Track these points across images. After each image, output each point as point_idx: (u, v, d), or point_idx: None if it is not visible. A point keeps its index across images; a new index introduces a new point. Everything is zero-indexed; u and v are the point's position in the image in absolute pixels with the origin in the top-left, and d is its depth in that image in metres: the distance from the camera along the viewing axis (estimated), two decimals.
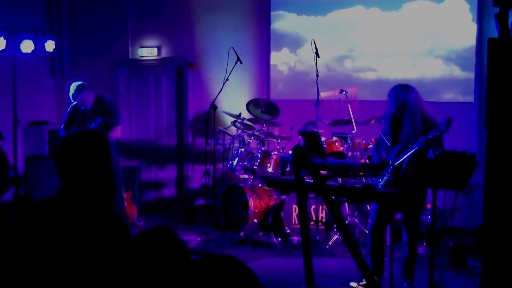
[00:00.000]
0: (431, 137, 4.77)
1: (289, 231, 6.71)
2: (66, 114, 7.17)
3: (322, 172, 4.61)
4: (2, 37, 8.23)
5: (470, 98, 7.29)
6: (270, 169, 7.17)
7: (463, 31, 7.30)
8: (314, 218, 6.59)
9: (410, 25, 7.63)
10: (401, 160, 4.91)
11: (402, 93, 4.98)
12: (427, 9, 7.52)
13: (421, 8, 7.56)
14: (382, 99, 5.22)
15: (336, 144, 6.89)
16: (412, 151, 4.85)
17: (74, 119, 7.02)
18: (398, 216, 5.62)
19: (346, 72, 8.03)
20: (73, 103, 7.08)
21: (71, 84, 7.05)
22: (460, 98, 7.37)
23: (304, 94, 8.03)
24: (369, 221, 6.78)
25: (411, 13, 7.64)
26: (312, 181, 4.24)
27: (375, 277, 4.89)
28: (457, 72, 7.38)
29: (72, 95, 6.96)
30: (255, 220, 7.02)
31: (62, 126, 7.13)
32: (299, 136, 5.55)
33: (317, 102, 6.85)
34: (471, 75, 7.27)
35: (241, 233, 7.03)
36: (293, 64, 8.42)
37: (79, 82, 6.99)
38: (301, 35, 8.30)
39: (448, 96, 7.42)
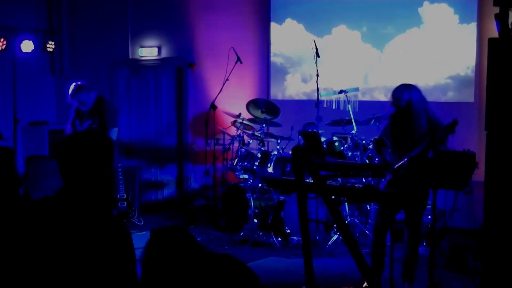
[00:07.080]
0: (436, 138, 4.77)
1: (289, 231, 6.71)
2: (71, 112, 6.96)
3: (322, 172, 4.60)
4: (2, 37, 8.23)
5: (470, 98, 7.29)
6: (270, 169, 7.17)
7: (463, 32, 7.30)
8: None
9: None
10: (404, 160, 4.89)
11: (407, 92, 4.95)
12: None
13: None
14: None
15: (336, 144, 6.88)
16: (417, 151, 4.83)
17: (77, 118, 6.90)
18: (399, 216, 5.61)
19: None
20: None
21: (70, 84, 6.93)
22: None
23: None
24: (369, 220, 6.81)
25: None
26: (312, 181, 4.24)
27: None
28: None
29: (70, 95, 6.79)
30: (255, 220, 7.02)
31: (69, 125, 6.96)
32: (299, 136, 5.56)
33: (317, 102, 6.86)
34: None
35: (241, 233, 7.03)
36: None
37: (78, 83, 6.84)
38: None
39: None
